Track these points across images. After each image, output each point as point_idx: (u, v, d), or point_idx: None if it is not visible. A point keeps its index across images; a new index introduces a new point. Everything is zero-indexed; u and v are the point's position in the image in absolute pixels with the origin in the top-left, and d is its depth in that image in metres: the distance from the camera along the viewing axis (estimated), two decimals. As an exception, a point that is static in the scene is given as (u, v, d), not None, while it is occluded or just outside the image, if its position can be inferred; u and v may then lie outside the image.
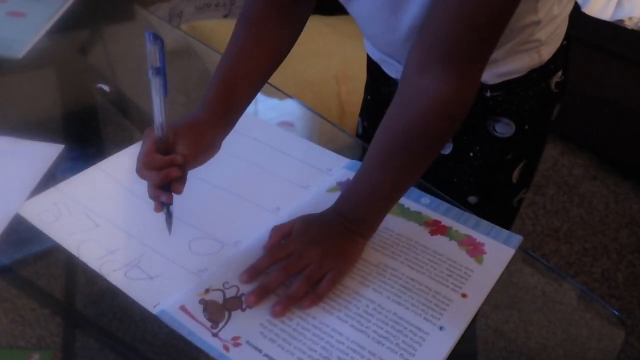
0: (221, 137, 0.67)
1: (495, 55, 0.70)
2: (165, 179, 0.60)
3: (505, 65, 0.71)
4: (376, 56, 0.83)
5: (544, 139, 0.82)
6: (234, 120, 0.69)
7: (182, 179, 0.61)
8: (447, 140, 0.62)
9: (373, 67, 0.86)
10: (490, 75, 0.72)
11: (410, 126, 0.60)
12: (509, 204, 0.84)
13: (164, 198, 0.61)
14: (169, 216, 0.63)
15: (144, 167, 0.61)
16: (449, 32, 0.56)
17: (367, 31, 0.76)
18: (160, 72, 0.59)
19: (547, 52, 0.73)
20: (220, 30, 1.72)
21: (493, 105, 0.74)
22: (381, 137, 0.61)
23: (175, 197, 0.66)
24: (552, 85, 0.76)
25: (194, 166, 0.65)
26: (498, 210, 0.82)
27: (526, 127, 0.76)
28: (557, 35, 0.74)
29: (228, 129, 0.68)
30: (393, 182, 0.62)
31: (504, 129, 0.75)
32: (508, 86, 0.73)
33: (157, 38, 0.58)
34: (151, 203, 0.68)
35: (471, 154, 0.77)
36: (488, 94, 0.73)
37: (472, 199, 0.80)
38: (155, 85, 0.60)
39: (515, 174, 0.80)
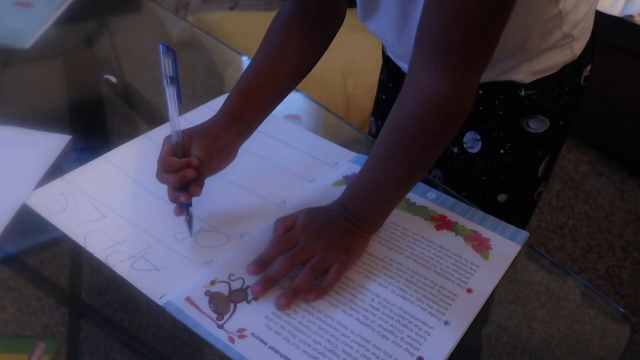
0: (236, 142, 0.68)
1: (527, 53, 0.69)
2: (182, 180, 0.62)
3: (540, 63, 0.71)
4: (399, 62, 0.83)
5: (569, 132, 0.82)
6: (250, 127, 0.70)
7: (199, 181, 0.64)
8: (447, 138, 0.61)
9: (393, 69, 0.85)
10: (525, 74, 0.71)
11: (406, 121, 0.60)
12: (531, 198, 0.83)
13: (182, 199, 0.63)
14: (190, 218, 0.65)
15: (162, 170, 0.63)
16: (436, 29, 0.56)
17: (386, 43, 0.78)
18: (174, 81, 0.63)
19: (579, 47, 0.72)
20: (226, 23, 1.72)
21: (528, 103, 0.73)
22: (383, 132, 0.61)
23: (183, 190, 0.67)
24: (582, 79, 0.75)
25: (211, 171, 0.67)
26: (522, 206, 0.82)
27: (561, 122, 0.76)
28: (587, 29, 0.73)
29: (244, 135, 0.69)
30: (394, 178, 0.62)
31: (538, 124, 0.74)
32: (543, 83, 0.72)
33: (170, 49, 0.62)
34: (158, 194, 0.69)
35: (502, 151, 0.76)
36: (523, 92, 0.72)
37: (501, 197, 0.79)
38: (170, 94, 0.63)
39: (541, 168, 0.80)
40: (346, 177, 0.74)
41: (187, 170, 0.62)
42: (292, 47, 0.70)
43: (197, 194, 0.63)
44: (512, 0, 0.54)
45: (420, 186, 0.73)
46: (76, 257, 0.67)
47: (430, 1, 0.55)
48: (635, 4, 1.68)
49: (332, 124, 0.93)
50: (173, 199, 0.64)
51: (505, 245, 0.66)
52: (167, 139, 0.65)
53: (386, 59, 0.88)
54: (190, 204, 0.64)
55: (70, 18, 1.12)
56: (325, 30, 0.73)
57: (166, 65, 0.62)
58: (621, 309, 0.65)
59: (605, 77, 1.70)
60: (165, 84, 0.63)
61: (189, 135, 0.65)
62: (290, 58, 0.70)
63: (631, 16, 1.69)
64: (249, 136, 0.70)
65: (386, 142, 0.61)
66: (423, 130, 0.59)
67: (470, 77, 0.58)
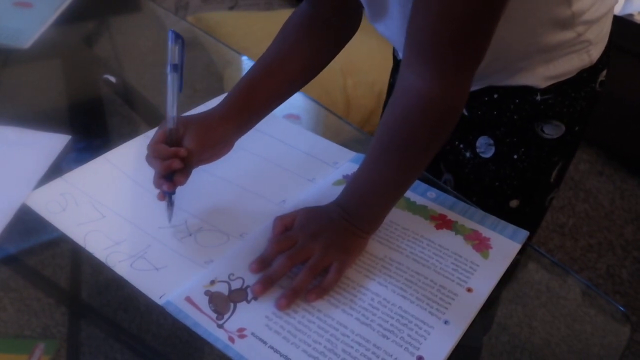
0: (233, 135, 0.68)
1: (540, 55, 0.68)
2: (167, 169, 0.63)
3: (556, 68, 0.69)
4: None
5: (582, 138, 0.80)
6: (249, 122, 0.69)
7: (185, 171, 0.64)
8: (440, 139, 0.60)
9: None
10: (540, 78, 0.70)
11: (397, 123, 0.60)
12: (542, 204, 0.83)
13: (165, 187, 0.63)
14: (170, 205, 0.66)
15: (151, 155, 0.64)
16: (424, 30, 0.55)
17: (395, 44, 0.78)
18: (178, 69, 0.63)
19: (596, 52, 0.71)
20: (226, 22, 1.72)
21: (544, 108, 0.72)
22: (376, 134, 0.61)
23: (182, 188, 0.67)
24: (597, 84, 0.74)
25: (201, 161, 0.67)
26: (533, 212, 0.81)
27: (576, 128, 0.75)
28: (604, 34, 0.72)
29: (242, 129, 0.69)
30: (388, 179, 0.62)
31: (553, 130, 0.73)
32: (559, 88, 0.71)
33: (179, 37, 0.62)
34: (157, 194, 0.69)
35: (515, 157, 0.75)
36: (538, 97, 0.71)
37: (514, 203, 0.78)
38: (172, 81, 0.63)
39: (554, 174, 0.79)
40: (346, 177, 0.74)
41: (173, 161, 0.62)
42: (302, 48, 0.70)
43: (182, 184, 0.64)
44: (500, 2, 0.53)
45: (420, 185, 0.73)
46: (76, 257, 0.67)
47: (417, 2, 0.55)
48: (635, 2, 1.68)
49: (331, 124, 0.93)
50: (157, 185, 0.64)
51: (505, 244, 0.66)
52: (163, 124, 0.65)
53: (397, 63, 0.87)
54: (173, 192, 0.65)
55: (69, 18, 1.12)
56: (337, 34, 0.73)
57: (173, 52, 0.62)
58: (621, 308, 0.65)
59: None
60: (168, 70, 0.63)
61: (185, 123, 0.65)
62: (298, 59, 0.70)
63: (631, 15, 1.69)
64: (248, 131, 0.70)
65: (379, 144, 0.61)
66: (414, 133, 0.59)
67: (461, 77, 0.57)
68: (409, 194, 0.71)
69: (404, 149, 0.60)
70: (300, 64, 0.70)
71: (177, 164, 0.62)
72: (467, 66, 0.57)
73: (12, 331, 0.59)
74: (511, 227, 0.68)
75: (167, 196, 0.65)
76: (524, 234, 0.67)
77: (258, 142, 0.80)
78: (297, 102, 0.93)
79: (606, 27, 0.73)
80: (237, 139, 0.69)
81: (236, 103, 0.68)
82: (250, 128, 0.70)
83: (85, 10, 1.17)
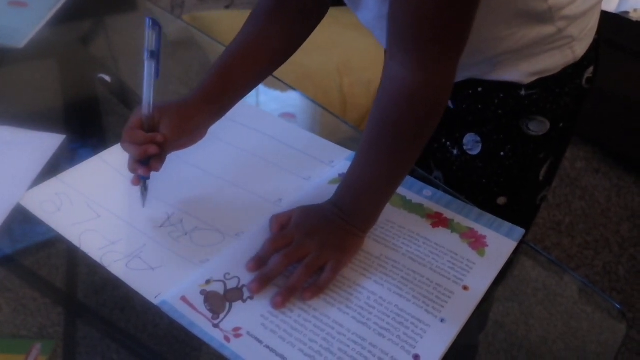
0: (208, 123, 0.69)
1: (521, 49, 0.68)
2: (143, 154, 0.63)
3: (539, 63, 0.69)
4: None
5: (572, 136, 0.80)
6: (225, 108, 0.70)
7: (161, 158, 0.65)
8: (427, 129, 0.60)
9: None
10: (524, 74, 0.70)
11: (384, 115, 0.60)
12: (533, 202, 0.83)
13: (141, 171, 0.64)
14: (144, 190, 0.67)
15: (127, 140, 0.64)
16: (403, 20, 0.55)
17: (374, 34, 0.77)
18: (155, 55, 0.63)
19: (581, 49, 0.71)
20: (221, 21, 1.71)
21: (528, 103, 0.72)
22: (366, 128, 0.61)
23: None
24: (584, 81, 0.74)
25: (175, 148, 0.67)
26: (523, 210, 0.81)
27: (561, 124, 0.75)
28: (590, 30, 0.72)
29: (217, 116, 0.69)
30: (379, 174, 0.62)
31: (537, 127, 0.73)
32: (543, 84, 0.71)
33: (156, 24, 0.62)
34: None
35: (502, 154, 0.75)
36: (523, 92, 0.71)
37: (501, 200, 0.79)
38: (149, 68, 0.63)
39: (543, 172, 0.79)
40: (342, 175, 0.74)
41: (150, 146, 0.63)
42: (273, 32, 0.70)
43: (157, 170, 0.65)
44: None
45: (416, 184, 0.73)
46: (72, 257, 0.67)
47: None
48: (631, 0, 1.68)
49: (328, 123, 0.93)
50: (132, 170, 0.65)
51: (501, 242, 0.66)
52: (137, 110, 0.65)
53: None
54: (148, 177, 0.66)
55: (65, 17, 1.12)
56: (307, 18, 0.73)
57: (150, 38, 0.62)
58: (617, 305, 0.65)
59: (601, 74, 1.70)
60: (145, 57, 0.63)
61: (160, 111, 0.65)
62: (269, 43, 0.70)
63: (626, 12, 1.69)
64: (222, 117, 0.70)
65: (369, 138, 0.61)
66: (400, 123, 0.59)
67: (443, 66, 0.57)
68: (405, 192, 0.71)
69: (392, 140, 0.60)
70: (271, 49, 0.70)
71: (153, 149, 0.63)
72: (449, 55, 0.57)
73: (8, 331, 0.59)
74: (507, 225, 0.68)
75: (142, 181, 0.66)
76: (520, 231, 0.67)
77: (254, 140, 0.80)
78: (293, 101, 0.93)
79: (591, 23, 0.72)
80: (211, 125, 0.70)
81: (211, 91, 0.68)
82: (225, 113, 0.70)
83: (80, 9, 1.17)
